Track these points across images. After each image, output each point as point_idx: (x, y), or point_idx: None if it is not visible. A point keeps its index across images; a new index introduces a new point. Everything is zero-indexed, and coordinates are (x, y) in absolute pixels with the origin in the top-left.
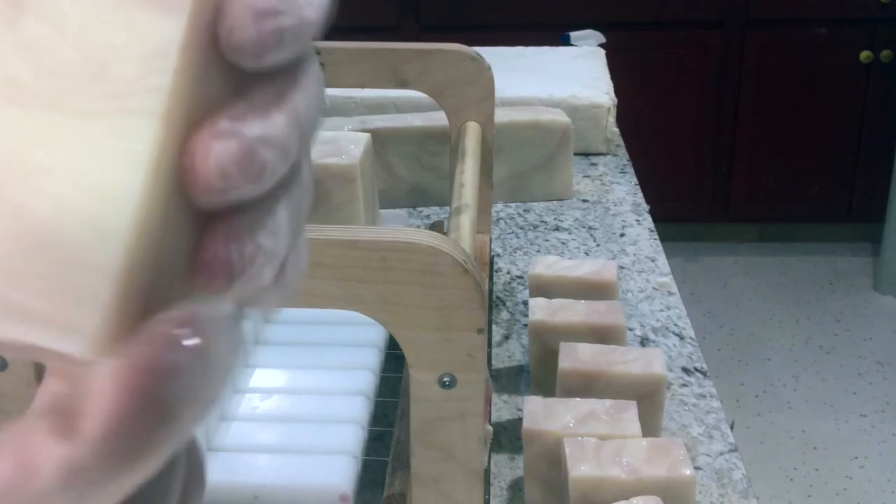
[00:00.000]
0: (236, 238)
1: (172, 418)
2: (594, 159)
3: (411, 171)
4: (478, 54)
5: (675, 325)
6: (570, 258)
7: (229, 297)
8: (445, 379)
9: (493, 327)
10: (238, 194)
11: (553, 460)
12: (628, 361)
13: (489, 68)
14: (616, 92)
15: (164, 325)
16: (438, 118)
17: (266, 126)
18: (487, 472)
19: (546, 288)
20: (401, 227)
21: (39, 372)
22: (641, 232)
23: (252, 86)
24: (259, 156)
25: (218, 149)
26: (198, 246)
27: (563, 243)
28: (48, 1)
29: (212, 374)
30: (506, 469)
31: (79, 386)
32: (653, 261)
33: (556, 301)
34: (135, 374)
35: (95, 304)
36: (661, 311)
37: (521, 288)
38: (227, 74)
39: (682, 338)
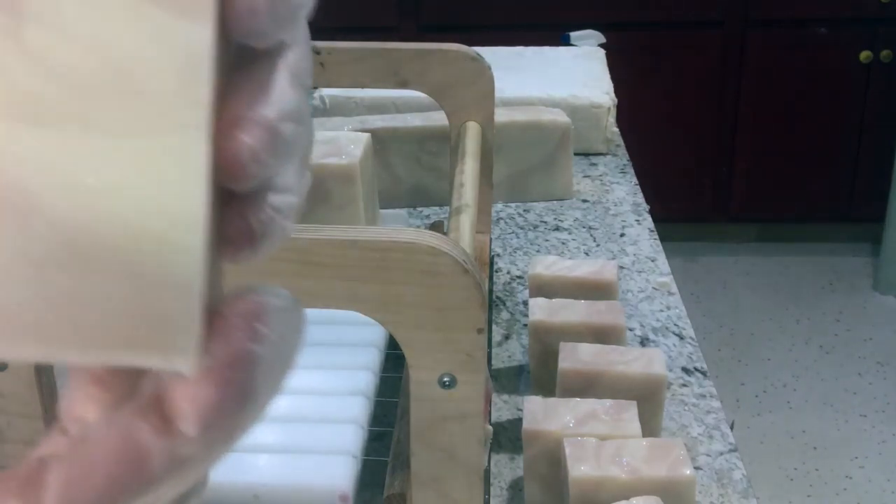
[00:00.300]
0: (253, 208)
1: (256, 401)
2: (594, 159)
3: (411, 171)
4: (478, 54)
5: (675, 325)
6: (570, 258)
7: (256, 256)
8: (445, 379)
9: (493, 327)
10: (270, 173)
11: (553, 460)
12: (628, 361)
13: (489, 68)
14: (616, 92)
15: (240, 320)
16: (438, 118)
17: (280, 101)
18: (487, 472)
19: (546, 288)
20: (401, 227)
21: (39, 371)
22: (641, 232)
23: (245, 58)
24: (283, 133)
25: (247, 139)
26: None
27: (563, 243)
28: (48, 5)
29: (284, 355)
30: (506, 469)
31: (158, 379)
32: (653, 261)
33: (556, 301)
34: (224, 370)
35: (190, 322)
36: (661, 311)
37: (521, 288)
38: (226, 52)
39: (682, 338)
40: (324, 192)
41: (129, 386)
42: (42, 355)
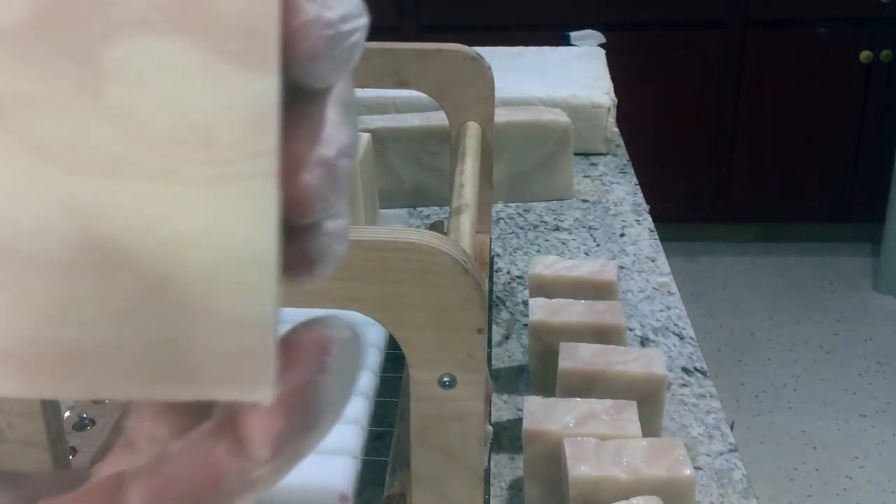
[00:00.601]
0: (312, 237)
1: (321, 427)
2: (594, 159)
3: (411, 171)
4: (478, 54)
5: (675, 325)
6: (570, 258)
7: (314, 281)
8: (445, 379)
9: (493, 327)
10: (330, 207)
11: (553, 460)
12: (628, 361)
13: (489, 68)
14: (616, 92)
15: (308, 351)
16: (438, 118)
17: (336, 139)
18: (487, 472)
19: (546, 288)
20: (401, 227)
21: None
22: (641, 232)
23: (299, 94)
24: (341, 168)
25: (311, 179)
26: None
27: (563, 243)
28: (128, 63)
29: (346, 384)
30: (506, 469)
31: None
32: (653, 261)
33: (556, 301)
34: (293, 399)
35: (267, 357)
36: (661, 311)
37: (521, 288)
38: (284, 93)
39: (682, 338)
40: None
41: (196, 404)
42: (133, 395)
